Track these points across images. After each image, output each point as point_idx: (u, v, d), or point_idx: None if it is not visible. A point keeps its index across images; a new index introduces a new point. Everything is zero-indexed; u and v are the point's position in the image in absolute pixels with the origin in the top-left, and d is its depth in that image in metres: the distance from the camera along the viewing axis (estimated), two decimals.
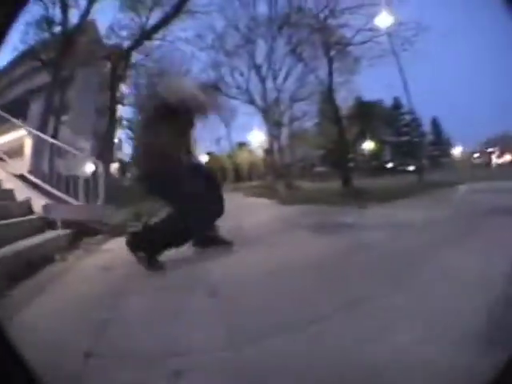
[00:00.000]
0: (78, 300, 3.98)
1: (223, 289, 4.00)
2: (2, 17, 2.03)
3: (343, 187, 17.25)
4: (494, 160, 42.73)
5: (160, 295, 3.99)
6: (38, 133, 10.99)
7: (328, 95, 18.96)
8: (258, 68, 26.29)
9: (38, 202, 8.53)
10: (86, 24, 19.14)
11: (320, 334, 2.75)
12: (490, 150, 44.04)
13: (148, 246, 5.19)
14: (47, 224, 7.85)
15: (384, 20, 17.44)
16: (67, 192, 9.45)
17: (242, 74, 27.19)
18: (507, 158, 41.59)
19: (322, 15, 17.81)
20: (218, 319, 3.24)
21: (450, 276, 3.66)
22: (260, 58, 26.44)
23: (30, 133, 13.85)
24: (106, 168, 12.89)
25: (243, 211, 11.98)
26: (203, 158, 44.24)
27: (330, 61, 18.02)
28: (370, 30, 17.77)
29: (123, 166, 31.33)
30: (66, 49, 17.04)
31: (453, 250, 4.57)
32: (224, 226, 6.36)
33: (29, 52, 19.71)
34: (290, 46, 21.92)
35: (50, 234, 7.24)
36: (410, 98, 20.71)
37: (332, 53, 18.06)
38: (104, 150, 14.61)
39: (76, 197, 9.48)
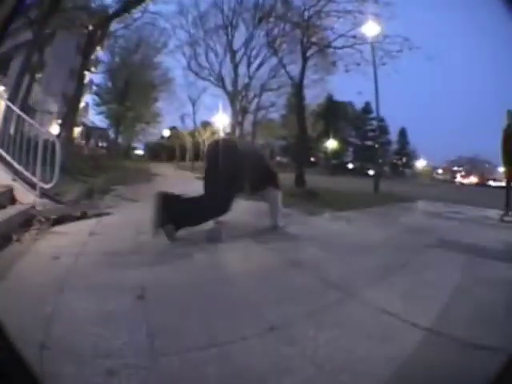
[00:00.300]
0: (29, 289, 3.89)
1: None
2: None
3: (296, 185, 17.03)
4: (459, 179, 43.85)
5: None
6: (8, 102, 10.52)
7: (297, 91, 18.71)
8: (233, 52, 26.16)
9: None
10: None
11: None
12: (455, 168, 45.05)
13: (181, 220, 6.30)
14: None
15: (370, 29, 17.25)
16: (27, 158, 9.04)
17: (216, 54, 27.11)
18: (472, 179, 42.77)
19: (307, 13, 17.56)
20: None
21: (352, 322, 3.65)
22: (238, 43, 26.38)
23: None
24: (69, 132, 12.59)
25: None
26: (165, 133, 44.20)
27: (305, 59, 17.80)
28: (354, 37, 17.54)
29: (87, 131, 30.91)
30: (52, 8, 16.58)
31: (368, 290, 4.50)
32: None
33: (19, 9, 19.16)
34: (269, 37, 21.68)
35: (11, 210, 6.93)
36: (378, 106, 20.58)
37: (309, 52, 17.82)
38: (68, 113, 14.26)
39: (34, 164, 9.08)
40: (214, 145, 7.19)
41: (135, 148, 44.31)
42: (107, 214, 8.44)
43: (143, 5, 18.40)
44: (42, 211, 7.28)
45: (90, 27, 15.43)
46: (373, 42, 17.29)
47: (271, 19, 20.05)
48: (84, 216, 7.77)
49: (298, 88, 18.47)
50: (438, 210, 13.83)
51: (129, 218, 8.34)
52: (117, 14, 16.63)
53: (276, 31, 20.34)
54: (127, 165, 27.64)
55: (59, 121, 12.96)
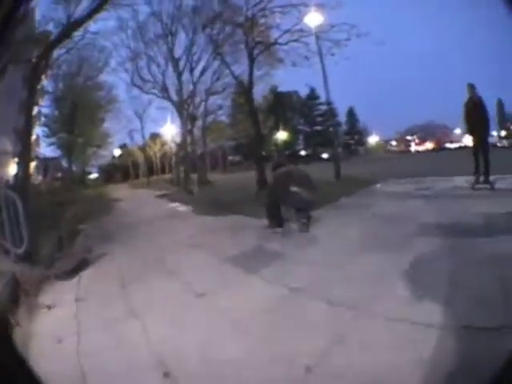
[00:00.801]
0: None
1: None
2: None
3: (259, 188, 16.64)
4: (414, 147, 44.35)
5: None
6: None
7: (247, 93, 18.42)
8: (175, 60, 25.88)
9: None
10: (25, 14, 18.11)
11: None
12: (408, 137, 45.64)
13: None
14: None
15: (313, 19, 16.98)
16: None
17: (158, 65, 26.79)
18: (428, 145, 43.36)
19: (249, 13, 17.23)
20: None
21: None
22: (179, 50, 26.13)
23: None
24: (26, 169, 12.17)
25: (159, 226, 11.69)
26: (116, 152, 43.64)
27: (252, 60, 17.50)
28: (300, 30, 17.25)
29: (44, 164, 30.23)
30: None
31: None
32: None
33: None
34: (211, 42, 21.42)
35: None
36: (329, 95, 20.42)
37: (255, 52, 17.52)
38: (22, 150, 13.75)
39: None
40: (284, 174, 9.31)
41: (90, 173, 43.61)
42: (85, 264, 7.98)
43: (84, 25, 18.01)
44: (24, 280, 6.66)
45: (34, 58, 14.97)
46: (318, 33, 17.07)
47: (215, 25, 19.76)
48: (64, 276, 7.27)
49: (248, 91, 18.19)
50: (405, 188, 13.76)
51: (108, 268, 7.80)
52: (59, 41, 16.18)
53: (221, 36, 20.10)
54: (85, 193, 27.09)
55: (15, 159, 12.48)
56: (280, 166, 9.81)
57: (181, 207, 15.92)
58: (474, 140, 12.16)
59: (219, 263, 6.92)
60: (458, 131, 40.85)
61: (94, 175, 44.75)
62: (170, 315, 4.82)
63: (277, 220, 8.97)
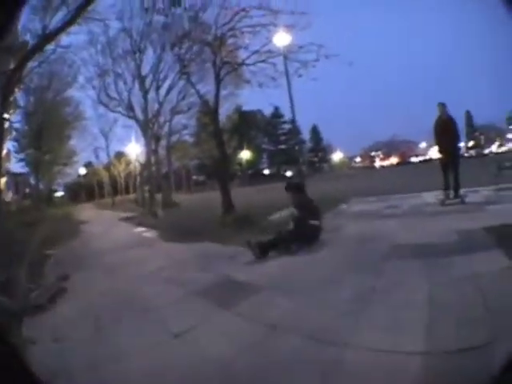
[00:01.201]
0: None
1: None
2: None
3: (225, 211, 16.23)
4: (378, 163, 44.99)
5: None
6: None
7: (212, 114, 18.18)
8: (142, 78, 25.75)
9: None
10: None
11: None
12: (373, 153, 46.30)
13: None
14: None
15: (281, 40, 16.85)
16: None
17: (125, 83, 26.60)
18: (393, 160, 44.06)
19: (219, 32, 17.03)
20: None
21: None
22: (146, 68, 26.03)
23: None
24: None
25: (128, 255, 11.17)
26: (81, 171, 43.11)
27: (219, 81, 17.31)
28: (268, 51, 17.10)
29: (15, 179, 29.61)
30: None
31: None
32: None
33: None
34: (178, 61, 21.27)
35: None
36: (294, 115, 20.29)
37: (222, 72, 17.33)
38: None
39: None
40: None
41: (56, 191, 43.02)
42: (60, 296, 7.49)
43: (57, 38, 17.71)
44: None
45: (9, 70, 14.58)
46: (286, 53, 16.94)
47: (184, 44, 19.55)
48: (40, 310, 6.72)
49: (214, 111, 17.97)
50: (374, 207, 13.86)
51: (81, 303, 7.12)
52: (33, 52, 15.87)
53: (188, 55, 19.91)
54: (53, 213, 26.57)
55: None
56: (299, 189, 10.12)
57: (147, 233, 15.57)
58: (444, 157, 12.41)
59: (193, 299, 6.52)
60: (423, 145, 41.76)
61: (59, 193, 44.26)
62: (151, 358, 4.48)
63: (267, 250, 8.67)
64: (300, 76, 17.08)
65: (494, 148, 40.22)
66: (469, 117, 41.11)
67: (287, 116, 41.21)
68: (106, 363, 4.49)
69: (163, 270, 8.88)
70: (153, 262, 9.79)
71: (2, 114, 13.70)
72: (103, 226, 19.97)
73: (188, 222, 14.94)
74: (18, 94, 24.54)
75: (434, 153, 36.27)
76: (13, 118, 25.35)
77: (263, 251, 8.51)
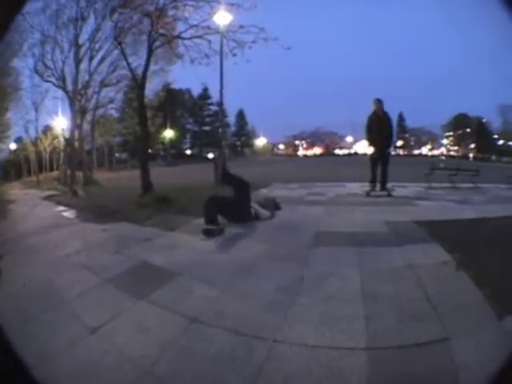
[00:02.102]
0: None
1: None
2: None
3: (143, 191, 15.71)
4: (302, 151, 45.49)
5: None
6: None
7: (139, 87, 17.65)
8: (78, 47, 24.90)
9: None
10: None
11: None
12: (297, 142, 46.72)
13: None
14: None
15: (222, 18, 16.62)
16: None
17: (62, 51, 25.70)
18: (316, 150, 44.64)
19: (161, 2, 16.45)
20: None
21: None
22: (85, 37, 25.23)
23: None
24: None
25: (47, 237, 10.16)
26: (12, 146, 41.15)
27: (150, 51, 16.81)
28: (207, 27, 16.73)
29: None
30: None
31: None
32: None
33: None
34: (117, 30, 20.64)
35: None
36: (222, 96, 20.03)
37: (156, 44, 16.85)
38: None
39: None
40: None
41: None
42: None
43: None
44: None
45: None
46: (225, 32, 16.71)
47: (124, 12, 18.89)
48: None
49: (140, 85, 17.46)
50: (297, 193, 13.71)
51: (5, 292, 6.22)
52: None
53: (127, 24, 19.29)
54: None
55: None
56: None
57: (66, 212, 14.71)
58: (375, 152, 12.63)
59: (109, 287, 5.92)
60: (349, 138, 42.53)
61: None
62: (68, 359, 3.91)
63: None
64: (234, 55, 16.80)
65: (424, 150, 41.87)
66: (401, 118, 42.24)
67: (215, 98, 40.70)
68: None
69: (80, 253, 8.16)
70: (70, 245, 8.93)
71: None
72: (28, 205, 18.96)
73: (106, 202, 14.30)
74: None
75: (361, 147, 37.04)
76: None
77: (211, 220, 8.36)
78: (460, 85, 26.41)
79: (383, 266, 5.50)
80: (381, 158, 12.40)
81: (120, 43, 19.49)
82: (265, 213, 9.51)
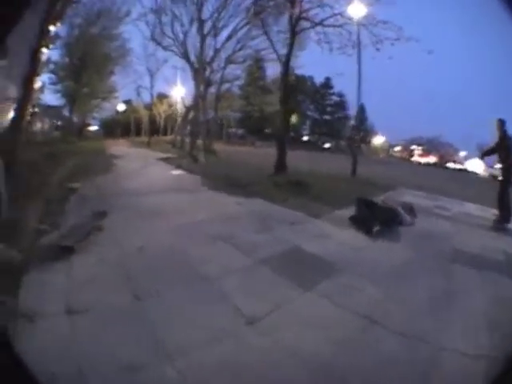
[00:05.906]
0: None
1: None
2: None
3: (276, 171, 15.47)
4: (416, 158, 44.30)
5: None
6: None
7: (284, 63, 17.42)
8: (202, 22, 24.87)
9: None
10: None
11: None
12: (413, 147, 45.52)
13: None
14: None
15: (355, 10, 16.21)
16: None
17: (182, 25, 25.81)
18: (431, 159, 43.31)
19: None
20: None
21: None
22: (206, 13, 25.12)
23: None
24: (19, 119, 11.24)
25: (168, 200, 9.84)
26: (120, 107, 42.61)
27: (293, 34, 16.57)
28: (349, 18, 16.36)
29: (43, 111, 28.97)
30: None
31: None
32: None
33: None
34: (256, 7, 20.57)
35: None
36: (360, 90, 19.52)
37: (298, 27, 16.58)
38: (24, 96, 12.44)
39: None
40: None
41: (89, 125, 42.40)
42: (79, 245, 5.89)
43: None
44: None
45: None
46: (365, 25, 16.28)
47: None
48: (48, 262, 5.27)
49: (285, 61, 17.31)
50: (424, 203, 12.93)
51: (111, 258, 5.64)
52: None
53: (269, 2, 19.22)
54: (83, 147, 25.38)
55: (14, 105, 11.47)
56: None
57: (188, 177, 14.30)
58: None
59: (263, 270, 5.50)
60: (462, 153, 40.94)
61: (94, 128, 43.80)
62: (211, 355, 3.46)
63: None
64: (378, 50, 16.22)
65: None
66: None
67: (337, 88, 40.23)
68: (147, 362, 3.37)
69: (211, 223, 7.72)
70: (200, 213, 8.60)
71: (39, 48, 13.04)
72: (139, 162, 18.63)
73: (234, 173, 13.91)
74: (60, 28, 24.01)
75: (472, 165, 35.53)
76: (51, 51, 24.85)
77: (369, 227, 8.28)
78: None
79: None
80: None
81: (261, 19, 19.34)
82: (408, 219, 9.48)
